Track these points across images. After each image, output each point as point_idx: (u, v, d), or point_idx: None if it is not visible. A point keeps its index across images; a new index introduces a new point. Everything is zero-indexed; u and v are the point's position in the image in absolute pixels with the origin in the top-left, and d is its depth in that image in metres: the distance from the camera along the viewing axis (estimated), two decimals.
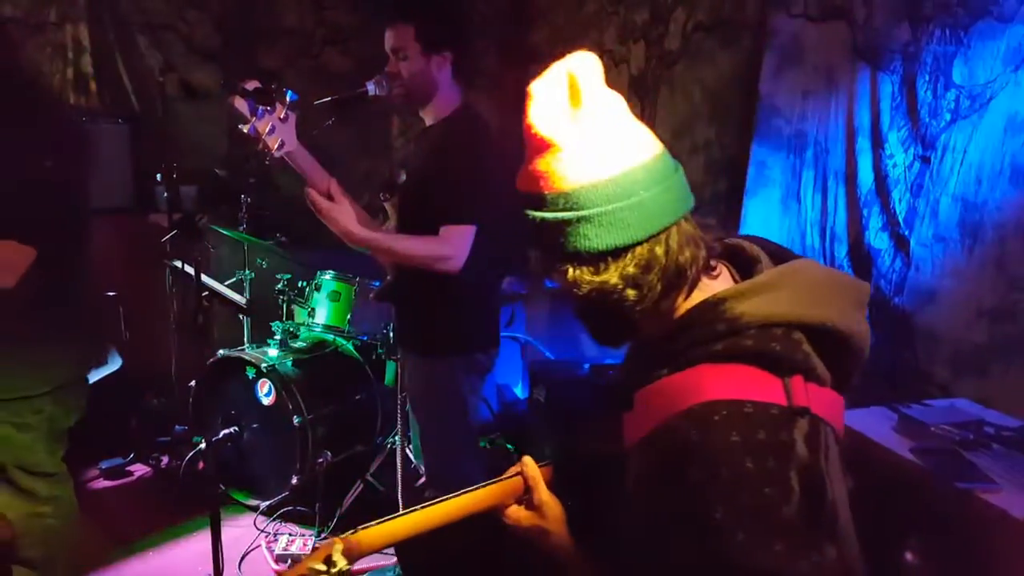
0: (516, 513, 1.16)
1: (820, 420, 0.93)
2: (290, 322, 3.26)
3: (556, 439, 2.71)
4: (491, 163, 2.17)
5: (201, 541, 2.95)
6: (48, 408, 1.98)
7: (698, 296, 1.00)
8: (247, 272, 3.54)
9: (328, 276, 3.19)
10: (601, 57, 3.57)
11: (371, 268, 3.39)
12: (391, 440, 3.12)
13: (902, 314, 2.02)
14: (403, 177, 2.33)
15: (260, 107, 1.98)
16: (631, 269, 0.95)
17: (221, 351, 3.18)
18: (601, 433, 1.21)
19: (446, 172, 2.08)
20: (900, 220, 2.04)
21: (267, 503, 3.07)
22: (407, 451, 3.08)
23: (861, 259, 2.16)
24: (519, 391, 4.16)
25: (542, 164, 0.98)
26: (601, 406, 2.43)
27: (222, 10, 3.95)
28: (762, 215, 2.51)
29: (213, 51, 3.97)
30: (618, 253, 0.96)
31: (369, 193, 4.47)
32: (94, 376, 3.25)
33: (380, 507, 3.09)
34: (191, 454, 3.11)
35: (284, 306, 3.26)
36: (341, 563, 1.00)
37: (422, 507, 1.10)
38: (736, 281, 1.04)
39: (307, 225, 4.09)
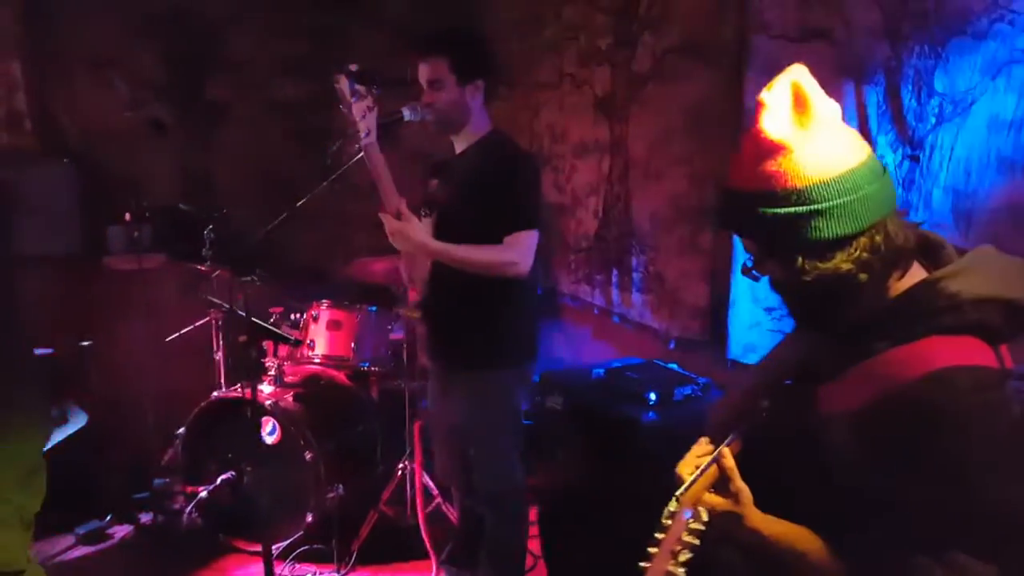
0: (712, 500, 1.24)
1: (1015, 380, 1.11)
2: (285, 357, 3.18)
3: (580, 443, 2.81)
4: (538, 175, 2.29)
5: None
6: (17, 498, 1.70)
7: (909, 279, 1.16)
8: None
9: (325, 305, 3.15)
10: (561, 80, 3.79)
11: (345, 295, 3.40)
12: (403, 465, 3.11)
13: None
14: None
15: (356, 88, 2.06)
16: (863, 254, 1.10)
17: (215, 393, 3.07)
18: (779, 409, 1.34)
19: (502, 184, 2.17)
20: None
21: (278, 546, 2.97)
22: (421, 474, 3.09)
23: None
24: None
25: (773, 165, 1.11)
26: (629, 407, 2.57)
27: (167, 42, 3.83)
28: None
29: (159, 85, 3.83)
30: (845, 242, 1.10)
31: (329, 225, 4.44)
32: (55, 437, 3.06)
33: (398, 534, 3.08)
34: (192, 505, 2.96)
35: (276, 341, 3.18)
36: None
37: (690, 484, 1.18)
38: (924, 265, 1.20)
39: (269, 257, 4.04)
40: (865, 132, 2.38)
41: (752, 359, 2.81)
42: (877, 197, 1.12)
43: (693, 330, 3.08)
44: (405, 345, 3.05)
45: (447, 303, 2.34)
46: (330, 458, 3.01)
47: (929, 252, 1.23)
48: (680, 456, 1.65)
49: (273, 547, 2.94)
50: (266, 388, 3.11)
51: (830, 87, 2.54)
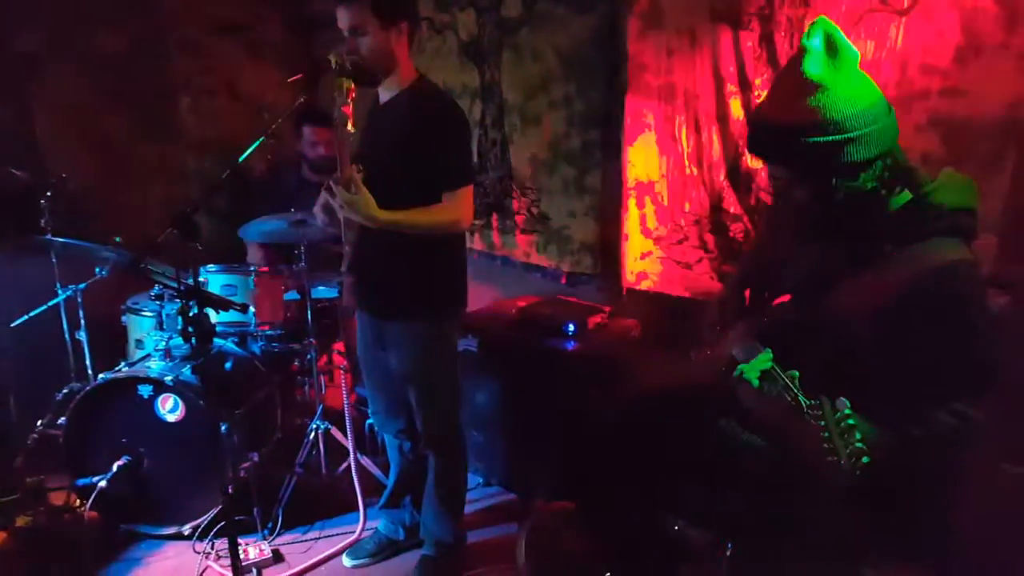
0: None
1: None
2: (166, 333, 2.95)
3: (501, 383, 2.94)
4: (468, 125, 2.32)
5: None
6: None
7: (902, 196, 1.42)
8: (77, 286, 3.13)
9: (213, 270, 2.95)
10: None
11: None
12: (315, 424, 3.06)
13: None
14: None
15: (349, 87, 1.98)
16: (886, 174, 1.34)
17: (101, 376, 2.79)
18: (796, 311, 1.57)
19: (439, 138, 2.18)
20: None
21: (194, 524, 2.81)
22: (333, 430, 3.08)
23: (740, 179, 2.76)
24: None
25: (812, 101, 1.33)
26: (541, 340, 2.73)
27: None
28: (643, 156, 2.99)
29: None
30: (870, 164, 1.35)
31: (163, 185, 4.07)
32: None
33: (318, 493, 3.05)
34: (92, 498, 2.70)
35: (163, 316, 2.94)
36: None
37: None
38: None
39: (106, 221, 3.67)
40: (743, 74, 2.68)
41: (645, 285, 3.09)
42: (890, 127, 1.38)
43: (585, 265, 3.31)
44: (308, 304, 2.97)
45: (382, 256, 2.32)
46: (241, 427, 2.89)
47: None
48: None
49: (190, 525, 2.81)
50: (156, 364, 2.88)
51: (707, 32, 2.83)
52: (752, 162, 2.72)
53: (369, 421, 3.31)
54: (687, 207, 2.92)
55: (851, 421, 1.21)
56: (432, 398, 2.42)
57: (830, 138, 1.33)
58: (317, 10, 4.35)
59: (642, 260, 3.08)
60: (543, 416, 2.80)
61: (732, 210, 2.81)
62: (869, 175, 1.37)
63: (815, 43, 1.36)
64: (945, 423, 1.32)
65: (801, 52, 1.37)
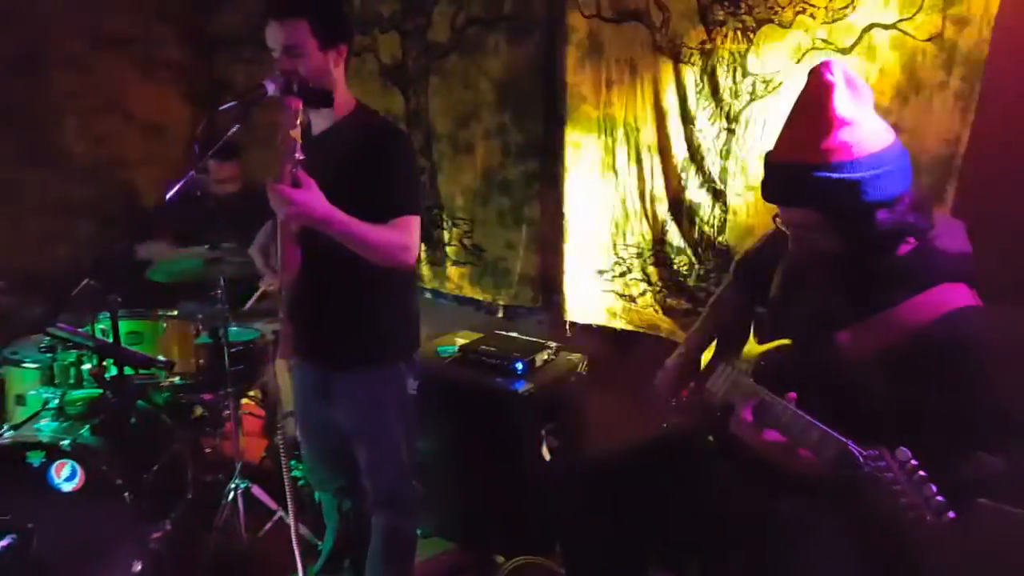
0: None
1: None
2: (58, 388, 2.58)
3: (443, 427, 2.76)
4: (415, 153, 2.16)
5: None
6: None
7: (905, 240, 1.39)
8: None
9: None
10: None
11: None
12: (235, 483, 2.77)
13: (726, 248, 2.65)
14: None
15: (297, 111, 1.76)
16: (907, 214, 1.29)
17: None
18: (798, 358, 1.50)
19: (385, 165, 2.00)
20: (715, 178, 2.64)
21: None
22: (255, 489, 2.80)
23: (683, 212, 2.72)
24: None
25: (843, 136, 1.29)
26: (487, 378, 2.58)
27: None
28: (582, 188, 2.91)
29: None
30: (891, 203, 1.31)
31: (46, 215, 3.64)
32: None
33: (239, 559, 2.75)
34: None
35: (55, 369, 2.56)
36: None
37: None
38: None
39: None
40: (685, 107, 2.65)
41: (588, 319, 3.01)
42: (908, 166, 1.36)
43: (524, 298, 3.19)
44: (227, 351, 2.68)
45: (326, 298, 2.11)
46: (150, 493, 2.57)
47: None
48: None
49: None
50: (48, 425, 2.52)
51: (648, 65, 2.79)
52: (696, 197, 2.70)
53: (293, 475, 3.06)
54: (629, 239, 2.87)
55: (922, 472, 1.14)
56: (386, 453, 2.21)
57: (856, 175, 1.30)
58: (223, 27, 4.04)
59: (584, 292, 2.99)
60: (491, 461, 2.65)
61: (676, 243, 2.78)
62: (890, 215, 1.34)
63: (838, 79, 1.32)
64: (966, 475, 1.28)
65: (825, 88, 1.33)
